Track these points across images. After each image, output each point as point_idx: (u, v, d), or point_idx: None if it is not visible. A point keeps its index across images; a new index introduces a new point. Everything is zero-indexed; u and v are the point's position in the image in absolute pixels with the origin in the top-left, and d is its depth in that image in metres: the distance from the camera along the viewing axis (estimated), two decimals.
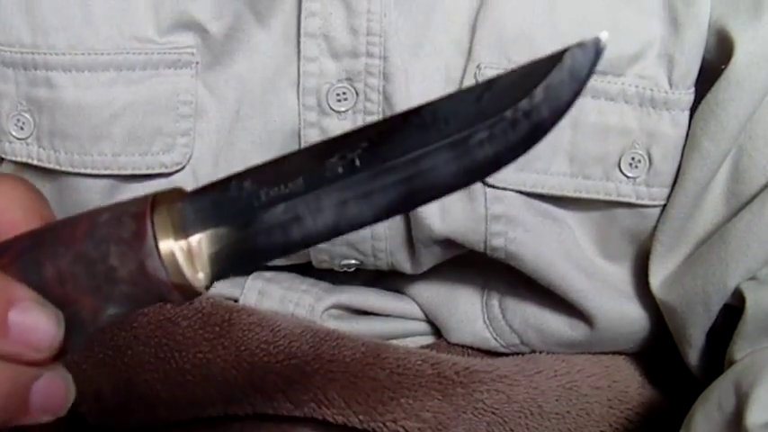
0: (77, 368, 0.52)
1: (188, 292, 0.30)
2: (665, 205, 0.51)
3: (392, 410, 0.50)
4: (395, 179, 0.30)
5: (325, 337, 0.52)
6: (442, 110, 0.30)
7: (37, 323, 0.30)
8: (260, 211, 0.31)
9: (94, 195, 0.50)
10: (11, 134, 0.50)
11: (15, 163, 0.51)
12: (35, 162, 0.50)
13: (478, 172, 0.30)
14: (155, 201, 0.31)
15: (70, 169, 0.49)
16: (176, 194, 0.31)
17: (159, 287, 0.30)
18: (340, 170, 0.30)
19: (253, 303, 0.55)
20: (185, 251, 0.30)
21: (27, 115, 0.49)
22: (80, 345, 0.32)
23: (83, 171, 0.49)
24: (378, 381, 0.50)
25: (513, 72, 0.30)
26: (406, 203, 0.31)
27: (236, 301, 0.55)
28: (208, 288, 0.31)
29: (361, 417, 0.50)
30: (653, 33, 0.48)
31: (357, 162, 0.30)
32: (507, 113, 0.29)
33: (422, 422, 0.50)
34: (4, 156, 0.51)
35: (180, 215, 0.31)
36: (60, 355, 0.31)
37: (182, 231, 0.30)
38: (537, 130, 0.29)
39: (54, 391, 0.30)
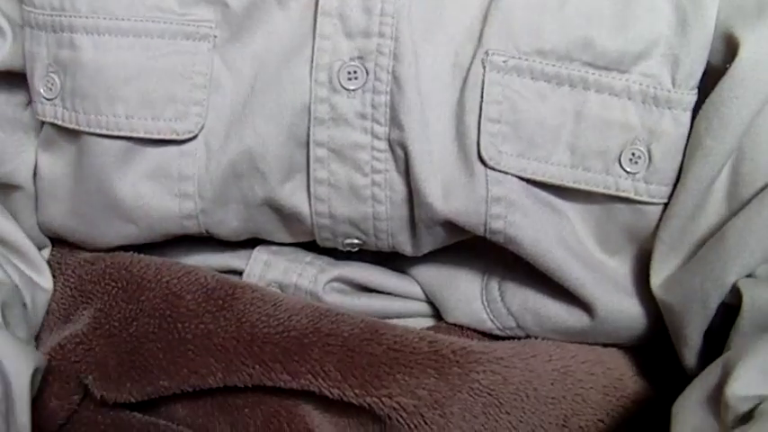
0: (83, 339, 0.54)
1: None
2: (666, 204, 0.52)
3: (388, 386, 0.51)
4: None
5: (325, 313, 0.53)
6: None
7: None
8: None
9: (109, 158, 0.52)
10: (42, 95, 0.53)
11: (49, 124, 0.54)
12: (60, 122, 0.53)
13: None
14: None
15: (87, 129, 0.52)
16: None
17: None
18: None
19: (257, 274, 0.56)
20: None
21: (54, 76, 0.52)
22: None
23: (98, 131, 0.51)
24: (374, 356, 0.51)
25: None
26: None
27: (240, 273, 0.57)
28: None
29: (356, 390, 0.51)
30: (660, 33, 0.49)
31: None
32: None
33: (417, 399, 0.51)
34: (38, 117, 0.54)
35: None
36: None
37: None
38: None
39: None
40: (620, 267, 0.54)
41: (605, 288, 0.53)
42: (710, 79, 0.50)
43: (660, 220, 0.52)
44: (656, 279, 0.53)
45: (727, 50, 0.49)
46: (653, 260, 0.53)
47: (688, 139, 0.51)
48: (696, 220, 0.51)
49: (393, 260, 0.58)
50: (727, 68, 0.49)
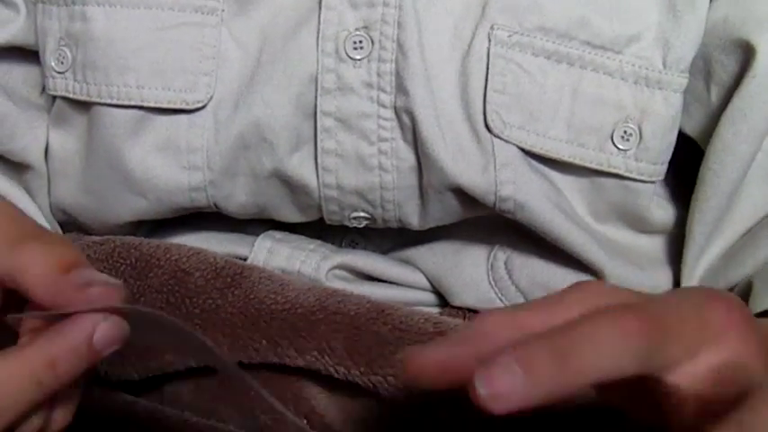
0: None
1: None
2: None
3: (393, 365, 0.51)
4: None
5: (332, 293, 0.53)
6: None
7: None
8: None
9: (119, 130, 0.53)
10: (53, 69, 0.54)
11: (60, 98, 0.54)
12: (71, 95, 0.54)
13: None
14: None
15: (98, 100, 0.53)
16: None
17: None
18: None
19: (261, 261, 0.57)
20: None
21: (66, 50, 0.53)
22: None
23: (108, 101, 0.52)
24: (380, 335, 0.51)
25: None
26: None
27: (244, 260, 0.57)
28: None
29: (362, 368, 0.51)
30: (651, 18, 0.51)
31: None
32: None
33: None
34: (49, 91, 0.55)
35: None
36: None
37: None
38: None
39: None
40: (617, 237, 0.56)
41: (610, 255, 0.54)
42: (721, 87, 0.54)
43: (648, 198, 0.55)
44: (692, 281, 0.55)
45: (744, 56, 0.52)
46: (685, 262, 0.55)
47: (695, 136, 0.54)
48: (726, 220, 0.54)
49: (396, 250, 0.58)
50: (746, 74, 0.52)
